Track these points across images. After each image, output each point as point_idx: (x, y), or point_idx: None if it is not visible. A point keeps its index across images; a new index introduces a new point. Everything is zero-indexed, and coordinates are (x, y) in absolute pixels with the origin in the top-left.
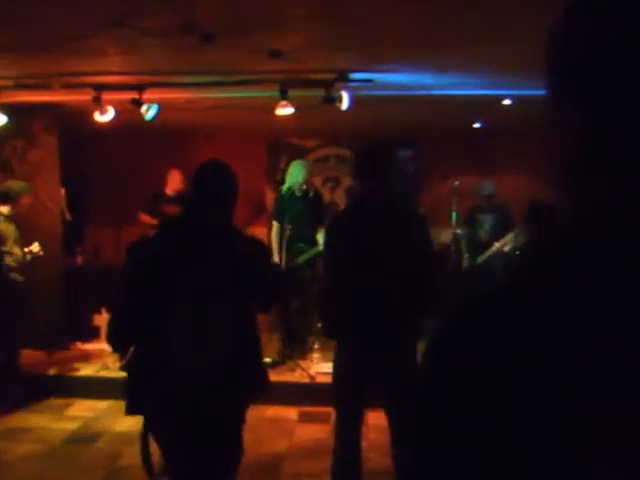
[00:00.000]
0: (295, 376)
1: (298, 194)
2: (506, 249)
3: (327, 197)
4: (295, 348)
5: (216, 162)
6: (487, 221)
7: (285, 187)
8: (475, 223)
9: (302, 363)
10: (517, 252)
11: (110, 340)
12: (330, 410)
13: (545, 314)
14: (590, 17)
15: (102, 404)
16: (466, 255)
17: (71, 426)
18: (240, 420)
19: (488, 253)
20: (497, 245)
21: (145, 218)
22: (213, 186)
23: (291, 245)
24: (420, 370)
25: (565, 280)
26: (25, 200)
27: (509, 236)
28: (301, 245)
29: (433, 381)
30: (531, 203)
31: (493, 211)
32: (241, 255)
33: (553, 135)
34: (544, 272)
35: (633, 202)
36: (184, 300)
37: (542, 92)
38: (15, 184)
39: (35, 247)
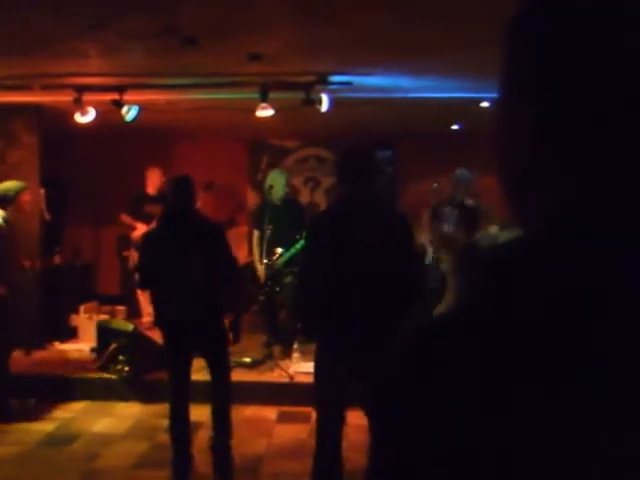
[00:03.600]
0: (274, 376)
1: (278, 202)
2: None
3: (307, 197)
4: (276, 348)
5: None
6: (453, 215)
7: (275, 198)
8: (441, 217)
9: (281, 363)
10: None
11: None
12: (309, 410)
13: (495, 350)
14: (544, 23)
15: (79, 405)
16: (430, 250)
17: (47, 427)
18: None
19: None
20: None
21: (126, 219)
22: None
23: (270, 249)
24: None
25: (515, 314)
26: (25, 197)
27: (478, 234)
28: (279, 249)
29: (387, 415)
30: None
31: (461, 205)
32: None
33: (504, 141)
34: (495, 302)
35: (581, 220)
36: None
37: None
38: (10, 184)
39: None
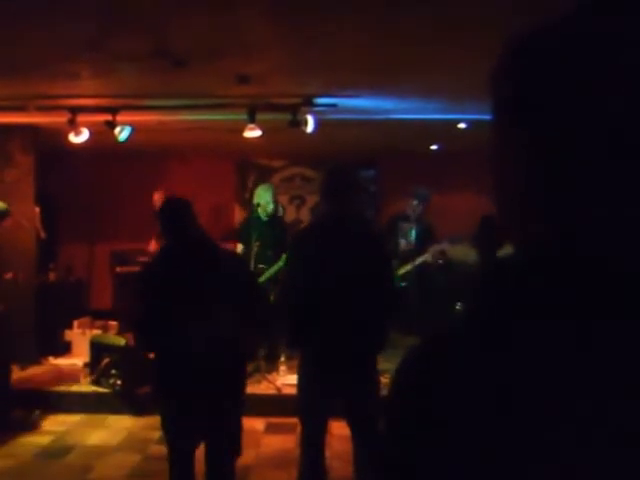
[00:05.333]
0: (261, 387)
1: (264, 218)
2: (423, 261)
3: (293, 215)
4: (263, 362)
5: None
6: (411, 230)
7: (260, 213)
8: (397, 231)
9: (269, 375)
10: (437, 266)
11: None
12: (296, 421)
13: (493, 371)
14: (535, 52)
15: (73, 418)
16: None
17: (42, 440)
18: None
19: (408, 266)
20: (420, 259)
21: (153, 245)
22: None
23: (256, 266)
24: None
25: (515, 335)
26: (7, 222)
27: (430, 250)
28: (262, 266)
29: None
30: (482, 218)
31: (417, 221)
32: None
33: (499, 162)
34: (495, 319)
35: (575, 244)
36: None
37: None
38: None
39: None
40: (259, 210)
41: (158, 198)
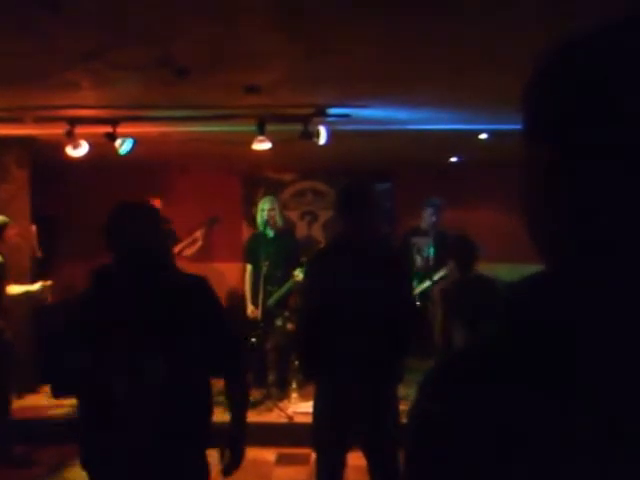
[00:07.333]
0: (272, 416)
1: (270, 235)
2: (442, 277)
3: (304, 232)
4: (273, 388)
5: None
6: (425, 245)
7: (258, 224)
8: (411, 248)
9: (279, 403)
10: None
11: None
12: (309, 451)
13: (514, 400)
14: (566, 68)
15: (71, 450)
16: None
17: (40, 472)
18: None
19: (426, 284)
20: (438, 275)
21: None
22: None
23: (263, 288)
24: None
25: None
26: (11, 231)
27: (450, 264)
28: (270, 288)
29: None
30: (456, 237)
31: (433, 233)
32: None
33: (524, 174)
34: (514, 354)
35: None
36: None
37: (517, 126)
38: None
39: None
40: (258, 222)
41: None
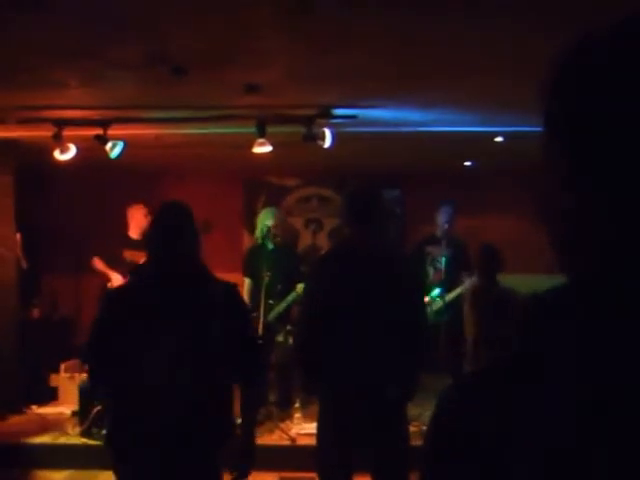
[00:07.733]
0: (274, 438)
1: (270, 247)
2: (457, 295)
3: (309, 240)
4: (275, 408)
5: (174, 203)
6: (440, 255)
7: (257, 237)
8: (425, 258)
9: (282, 423)
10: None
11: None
12: (313, 475)
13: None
14: (583, 68)
15: (60, 475)
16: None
17: None
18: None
19: (440, 303)
20: (452, 295)
21: (99, 264)
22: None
23: (264, 302)
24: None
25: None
26: None
27: (466, 281)
28: (270, 302)
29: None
30: (483, 246)
31: (448, 242)
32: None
33: (541, 178)
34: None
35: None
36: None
37: (535, 129)
38: None
39: None
40: (257, 235)
41: (139, 215)
